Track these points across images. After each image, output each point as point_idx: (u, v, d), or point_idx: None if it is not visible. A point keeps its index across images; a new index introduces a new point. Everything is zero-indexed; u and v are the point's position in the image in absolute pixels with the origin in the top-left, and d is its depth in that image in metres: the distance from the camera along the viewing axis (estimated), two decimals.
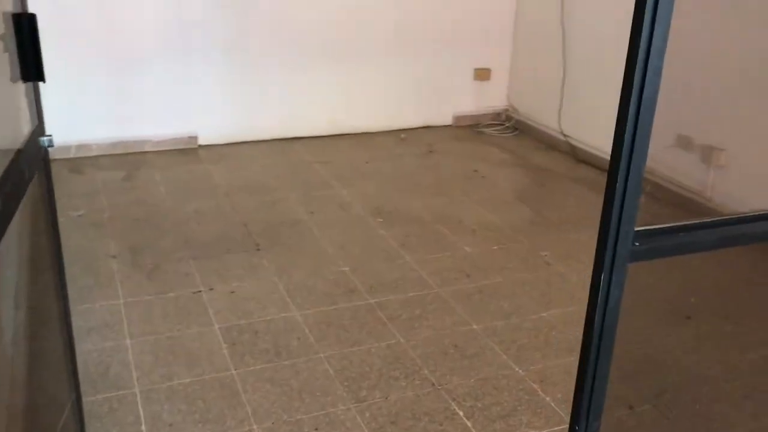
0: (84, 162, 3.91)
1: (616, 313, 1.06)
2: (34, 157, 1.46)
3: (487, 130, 4.87)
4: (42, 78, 1.44)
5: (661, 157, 3.64)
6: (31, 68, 1.42)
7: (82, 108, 3.93)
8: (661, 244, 1.04)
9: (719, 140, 3.37)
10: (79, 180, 3.69)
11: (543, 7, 4.50)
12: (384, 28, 4.52)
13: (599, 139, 4.17)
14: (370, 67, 4.57)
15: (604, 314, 1.05)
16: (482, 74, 4.93)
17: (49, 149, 1.57)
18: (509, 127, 4.91)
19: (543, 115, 4.65)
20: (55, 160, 3.75)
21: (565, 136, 4.44)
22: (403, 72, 4.68)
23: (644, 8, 0.96)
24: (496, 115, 5.03)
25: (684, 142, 3.54)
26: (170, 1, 3.95)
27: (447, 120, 4.95)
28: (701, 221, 1.08)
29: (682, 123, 3.54)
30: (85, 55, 3.85)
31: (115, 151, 4.07)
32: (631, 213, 0.98)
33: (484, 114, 5.01)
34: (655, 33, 0.92)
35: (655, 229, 1.02)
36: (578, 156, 4.33)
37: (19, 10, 1.40)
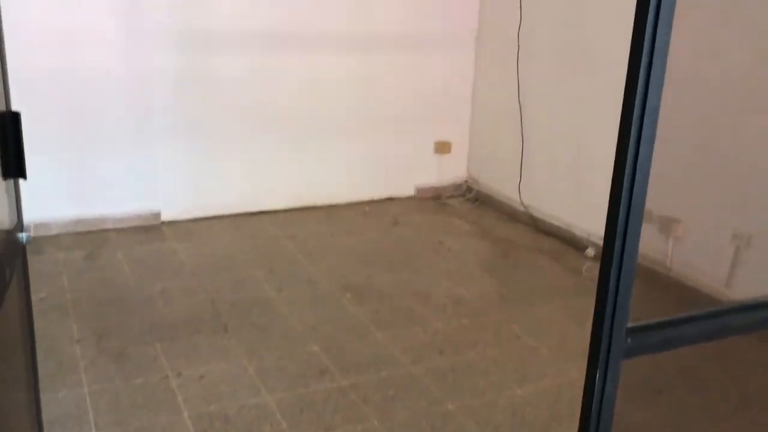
0: (44, 241, 3.83)
1: (610, 408, 1.08)
2: (14, 255, 1.43)
3: (450, 202, 4.95)
4: (23, 175, 1.43)
5: None
6: (12, 165, 1.41)
7: (41, 186, 3.85)
8: (654, 340, 1.07)
9: (676, 211, 3.49)
10: (39, 261, 3.60)
11: (500, 82, 4.66)
12: (345, 104, 4.61)
13: (558, 210, 4.28)
14: (332, 141, 4.63)
15: (600, 409, 1.06)
16: (442, 147, 5.04)
17: None
18: (471, 198, 5.00)
19: (503, 186, 4.75)
20: None
21: (525, 206, 4.54)
22: (365, 145, 4.76)
23: (632, 112, 1.01)
24: (458, 186, 5.13)
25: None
26: (132, 81, 3.97)
27: (410, 191, 5.02)
28: (692, 314, 1.11)
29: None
30: (44, 132, 3.79)
31: (76, 230, 4.00)
32: (624, 315, 1.01)
33: (446, 186, 5.10)
34: (640, 154, 0.97)
35: (647, 324, 1.05)
36: (539, 226, 4.42)
37: (2, 108, 1.40)
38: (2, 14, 1.55)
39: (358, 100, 4.64)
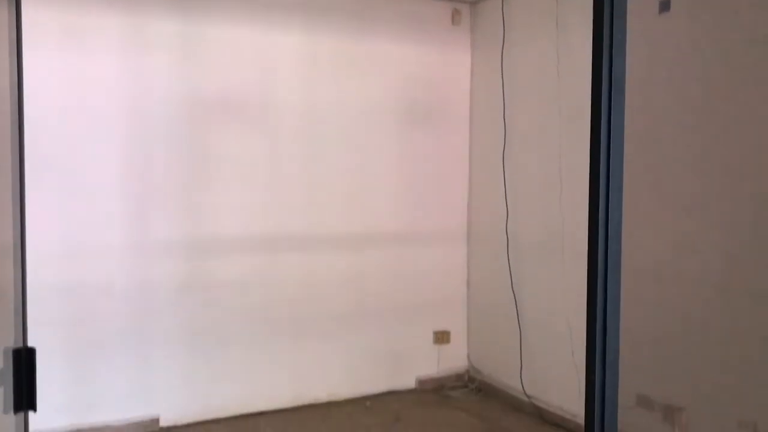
0: None
1: None
2: None
3: (452, 393, 4.90)
4: (34, 408, 1.48)
5: (626, 416, 3.69)
6: (24, 399, 1.46)
7: (39, 396, 3.84)
8: None
9: (679, 399, 3.47)
10: None
11: (492, 273, 4.81)
12: (343, 300, 4.72)
13: (562, 399, 4.24)
14: (330, 337, 4.68)
15: None
16: (442, 337, 5.08)
17: None
18: (473, 389, 4.96)
19: (505, 375, 4.74)
20: None
21: (528, 396, 4.50)
22: (364, 339, 4.80)
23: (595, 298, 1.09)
24: (459, 376, 5.10)
25: (645, 402, 3.62)
26: (134, 290, 4.10)
27: (411, 384, 4.98)
28: None
29: (642, 383, 3.66)
30: (42, 342, 3.84)
31: None
32: None
33: (447, 376, 5.07)
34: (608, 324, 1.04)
35: None
36: (544, 417, 4.35)
37: (19, 344, 1.48)
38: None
39: (355, 295, 4.76)
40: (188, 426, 4.21)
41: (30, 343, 3.58)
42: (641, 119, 3.64)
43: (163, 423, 4.17)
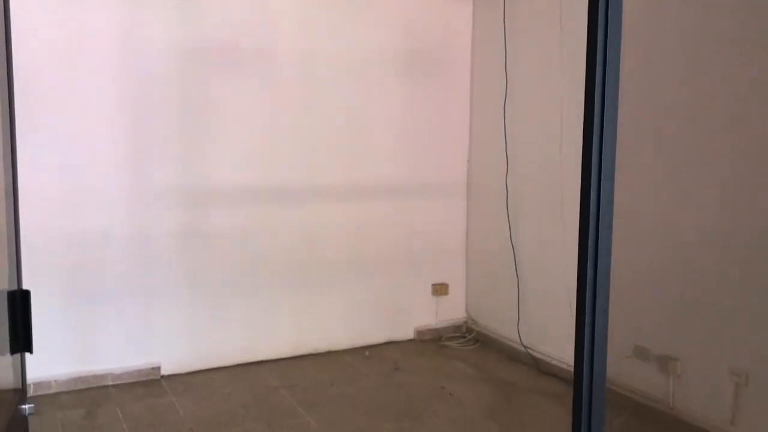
0: (44, 401, 3.80)
1: None
2: (17, 428, 1.46)
3: (450, 344, 4.96)
4: (30, 349, 1.49)
5: (622, 368, 3.74)
6: (20, 340, 1.48)
7: (41, 344, 3.87)
8: None
9: (674, 349, 3.51)
10: (40, 421, 3.56)
11: (492, 225, 4.82)
12: (343, 251, 4.74)
13: (558, 350, 4.29)
14: (330, 288, 4.72)
15: None
16: (440, 289, 5.12)
17: None
18: (471, 339, 5.01)
19: (502, 326, 4.79)
20: None
21: (525, 347, 4.55)
22: (364, 291, 4.84)
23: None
24: (457, 327, 5.16)
25: (641, 353, 3.67)
26: (134, 239, 4.11)
27: (409, 334, 5.04)
28: None
29: (638, 334, 3.70)
30: (43, 290, 3.87)
31: (76, 387, 3.99)
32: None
33: (445, 327, 5.12)
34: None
35: None
36: (540, 367, 4.41)
37: (14, 287, 1.48)
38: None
39: (354, 246, 4.78)
40: (189, 374, 4.27)
41: (30, 291, 3.60)
42: (640, 68, 3.60)
43: (164, 371, 4.24)
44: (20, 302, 1.46)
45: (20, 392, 1.53)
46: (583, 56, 1.36)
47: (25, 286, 3.48)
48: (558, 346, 4.30)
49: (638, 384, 3.70)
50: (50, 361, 3.92)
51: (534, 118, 4.47)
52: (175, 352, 4.27)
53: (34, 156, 3.80)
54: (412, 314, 5.04)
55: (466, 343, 4.98)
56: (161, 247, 4.18)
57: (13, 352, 1.47)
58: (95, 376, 4.06)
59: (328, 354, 4.69)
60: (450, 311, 5.17)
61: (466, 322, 5.18)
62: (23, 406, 1.52)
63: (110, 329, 4.09)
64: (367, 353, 4.73)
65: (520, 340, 4.59)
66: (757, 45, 3.08)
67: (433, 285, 5.10)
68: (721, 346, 3.29)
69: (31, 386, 3.85)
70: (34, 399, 3.80)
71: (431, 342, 4.99)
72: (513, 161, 4.63)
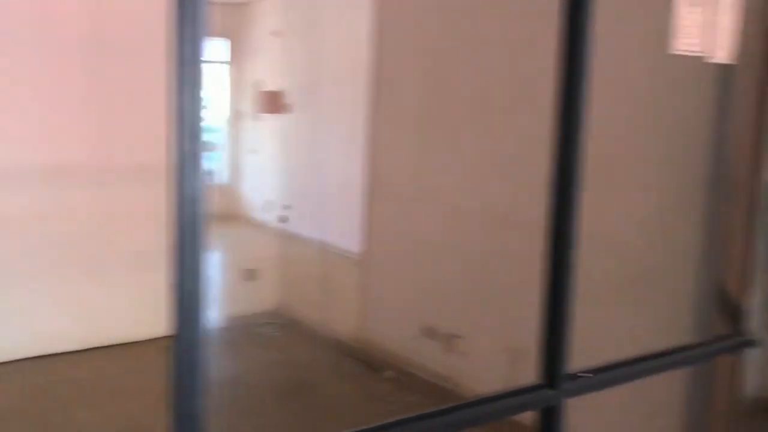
0: None
1: None
2: None
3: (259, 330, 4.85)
4: None
5: (411, 346, 3.81)
6: None
7: None
8: None
9: (458, 328, 3.61)
10: None
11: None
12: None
13: (352, 328, 4.29)
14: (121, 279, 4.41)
15: None
16: (252, 275, 5.00)
17: None
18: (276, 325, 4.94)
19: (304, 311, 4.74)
20: None
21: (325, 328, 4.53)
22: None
23: None
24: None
25: (429, 332, 3.74)
26: None
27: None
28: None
29: (427, 314, 3.77)
30: None
31: None
32: None
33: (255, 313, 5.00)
34: None
35: None
36: (341, 348, 4.41)
37: None
38: None
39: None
40: None
41: None
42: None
43: None
44: None
45: None
46: None
47: None
48: (351, 323, 4.32)
49: (427, 363, 3.77)
50: None
51: None
52: None
53: None
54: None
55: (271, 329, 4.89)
56: None
57: None
58: None
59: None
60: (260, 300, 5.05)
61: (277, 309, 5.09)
62: None
63: None
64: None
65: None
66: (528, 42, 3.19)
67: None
68: (500, 323, 3.41)
69: None
70: None
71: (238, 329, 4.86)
72: None
